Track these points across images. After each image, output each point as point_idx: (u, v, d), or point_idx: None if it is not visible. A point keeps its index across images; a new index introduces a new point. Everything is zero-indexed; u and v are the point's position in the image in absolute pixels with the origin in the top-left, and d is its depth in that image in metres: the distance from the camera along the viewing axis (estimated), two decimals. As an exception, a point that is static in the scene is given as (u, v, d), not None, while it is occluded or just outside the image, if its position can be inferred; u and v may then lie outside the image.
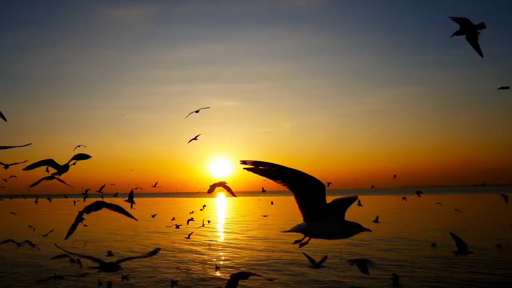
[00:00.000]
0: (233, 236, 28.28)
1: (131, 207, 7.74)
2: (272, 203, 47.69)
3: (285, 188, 3.20)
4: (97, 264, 4.65)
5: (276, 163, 3.12)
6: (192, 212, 30.68)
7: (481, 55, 4.63)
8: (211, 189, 7.95)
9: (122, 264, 4.79)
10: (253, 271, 5.28)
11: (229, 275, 15.27)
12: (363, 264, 7.36)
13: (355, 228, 3.26)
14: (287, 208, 56.73)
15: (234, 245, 23.32)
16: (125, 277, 14.85)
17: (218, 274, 16.01)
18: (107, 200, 5.63)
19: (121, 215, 5.26)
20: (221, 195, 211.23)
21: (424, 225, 31.03)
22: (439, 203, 30.91)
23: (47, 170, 6.23)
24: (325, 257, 9.28)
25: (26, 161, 7.31)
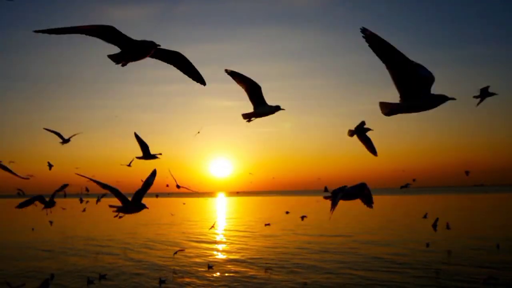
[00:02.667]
0: (227, 234, 28.32)
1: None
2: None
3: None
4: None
5: None
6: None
7: None
8: None
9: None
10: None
11: (221, 274, 15.37)
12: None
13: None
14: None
15: (227, 244, 23.34)
16: (103, 277, 14.59)
17: (210, 273, 16.05)
18: None
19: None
20: (221, 195, 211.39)
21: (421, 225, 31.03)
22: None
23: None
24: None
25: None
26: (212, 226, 26.67)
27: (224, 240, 26.28)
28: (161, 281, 14.17)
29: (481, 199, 79.34)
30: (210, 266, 16.86)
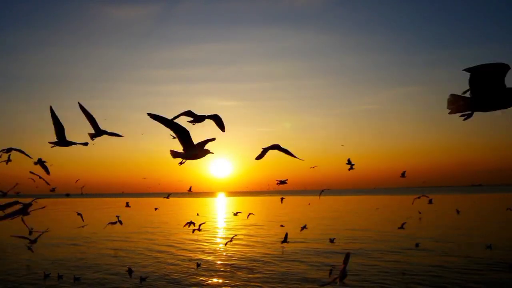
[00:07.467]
0: (216, 235, 28.27)
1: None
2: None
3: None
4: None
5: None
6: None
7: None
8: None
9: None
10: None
11: (211, 274, 15.32)
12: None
13: None
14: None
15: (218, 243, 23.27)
16: (76, 279, 14.34)
17: (199, 271, 16.12)
18: None
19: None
20: (221, 195, 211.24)
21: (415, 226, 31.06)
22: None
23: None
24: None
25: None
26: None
27: (214, 239, 26.24)
28: (142, 279, 14.07)
29: (477, 198, 79.17)
30: (198, 265, 16.75)
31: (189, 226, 18.25)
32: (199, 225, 18.45)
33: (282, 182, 9.12)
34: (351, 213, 49.36)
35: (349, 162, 10.25)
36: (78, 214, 13.05)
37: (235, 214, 26.45)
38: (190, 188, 17.89)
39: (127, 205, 24.45)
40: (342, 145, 19.36)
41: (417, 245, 20.40)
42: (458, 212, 32.24)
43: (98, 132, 5.46)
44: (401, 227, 19.89)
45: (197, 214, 39.29)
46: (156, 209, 37.14)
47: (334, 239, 19.48)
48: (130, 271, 14.02)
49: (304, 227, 19.44)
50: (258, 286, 13.78)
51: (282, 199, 24.70)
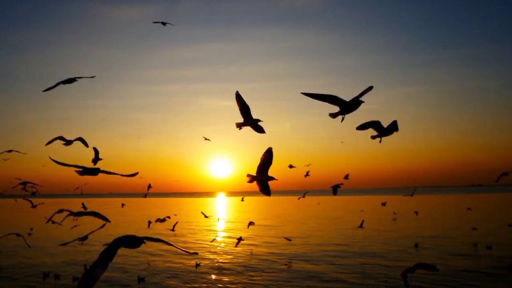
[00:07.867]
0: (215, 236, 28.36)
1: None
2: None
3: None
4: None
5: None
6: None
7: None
8: None
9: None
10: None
11: (210, 273, 15.41)
12: None
13: None
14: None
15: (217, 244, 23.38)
16: (76, 279, 14.40)
17: (200, 270, 16.13)
18: None
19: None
20: (221, 195, 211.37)
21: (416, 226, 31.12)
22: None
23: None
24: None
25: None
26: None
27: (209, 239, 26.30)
28: (140, 279, 14.08)
29: (477, 198, 79.10)
30: (197, 264, 16.78)
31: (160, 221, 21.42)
32: (160, 219, 21.31)
33: (337, 187, 9.76)
34: (351, 213, 49.46)
35: (290, 166, 10.92)
36: (53, 222, 11.76)
37: (206, 216, 26.43)
38: (149, 186, 18.10)
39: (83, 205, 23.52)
40: (342, 142, 19.81)
41: (416, 245, 20.47)
42: (416, 213, 33.37)
43: (250, 120, 5.13)
44: (361, 225, 22.92)
45: (175, 215, 39.43)
46: (123, 205, 36.67)
47: (290, 239, 21.75)
48: (85, 268, 13.34)
49: (250, 223, 20.85)
50: (260, 285, 13.85)
51: (242, 198, 26.66)
